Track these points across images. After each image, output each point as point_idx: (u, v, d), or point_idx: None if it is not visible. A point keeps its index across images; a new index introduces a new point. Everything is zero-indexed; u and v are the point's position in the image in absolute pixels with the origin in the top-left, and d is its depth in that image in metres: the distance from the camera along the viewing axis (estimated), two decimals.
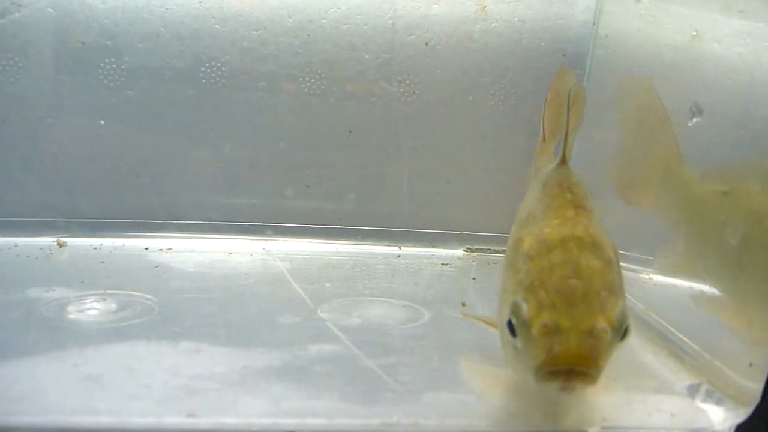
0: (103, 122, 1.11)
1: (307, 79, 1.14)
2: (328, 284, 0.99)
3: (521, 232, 0.66)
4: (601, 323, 0.52)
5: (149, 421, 0.59)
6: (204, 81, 1.12)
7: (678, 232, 0.80)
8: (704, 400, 0.68)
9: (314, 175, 1.19)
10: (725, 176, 0.76)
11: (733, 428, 0.65)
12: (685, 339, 0.78)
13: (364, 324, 0.85)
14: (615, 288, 0.55)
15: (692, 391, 0.70)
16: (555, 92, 0.93)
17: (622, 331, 0.55)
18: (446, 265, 1.12)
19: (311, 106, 1.16)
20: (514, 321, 0.55)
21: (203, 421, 0.60)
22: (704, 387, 0.70)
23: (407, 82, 1.16)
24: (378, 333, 0.83)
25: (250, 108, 1.15)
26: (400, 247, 1.18)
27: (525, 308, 0.54)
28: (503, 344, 0.61)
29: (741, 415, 0.65)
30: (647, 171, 0.87)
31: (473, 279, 1.08)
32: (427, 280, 1.04)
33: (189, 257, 1.07)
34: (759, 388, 0.64)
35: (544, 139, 0.93)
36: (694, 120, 0.81)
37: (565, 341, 0.51)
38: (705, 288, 0.77)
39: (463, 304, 0.92)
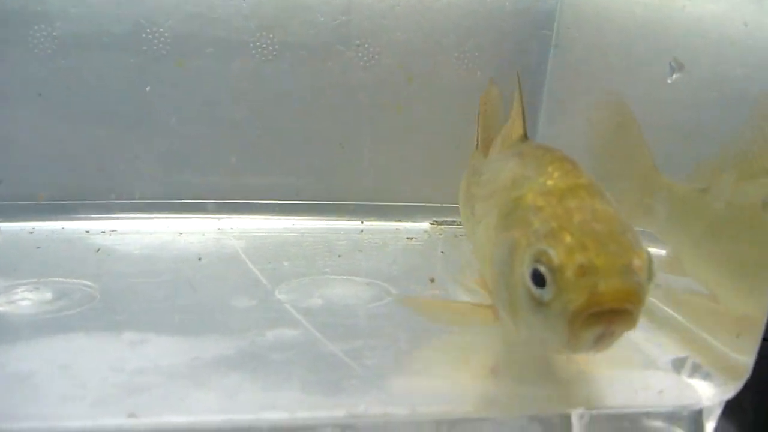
0: (40, 95, 1.02)
1: (258, 44, 1.06)
2: (286, 263, 0.93)
3: (511, 194, 0.61)
4: (637, 260, 0.50)
5: (83, 424, 0.53)
6: (146, 49, 1.03)
7: (664, 238, 0.76)
8: (691, 375, 0.64)
9: (269, 148, 1.12)
10: (703, 173, 0.73)
11: (723, 404, 0.61)
12: (668, 311, 0.74)
13: (326, 305, 0.79)
14: (634, 230, 0.53)
15: (678, 365, 0.66)
16: (485, 103, 0.95)
17: (652, 273, 0.52)
18: (412, 239, 1.06)
19: (263, 73, 1.09)
20: (541, 269, 0.51)
21: (146, 422, 0.53)
22: (690, 361, 0.66)
23: (366, 46, 1.09)
24: (341, 314, 0.77)
25: (197, 77, 1.07)
26: (362, 222, 1.12)
27: (554, 253, 0.50)
28: (513, 308, 0.56)
29: (730, 390, 0.61)
30: (625, 187, 0.83)
31: (442, 253, 1.02)
32: (392, 255, 0.99)
33: (134, 239, 0.99)
34: (749, 361, 0.60)
35: (477, 147, 0.93)
36: (674, 76, 0.76)
37: (608, 279, 0.48)
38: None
39: (432, 280, 0.87)
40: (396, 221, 1.13)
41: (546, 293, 0.51)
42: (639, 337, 0.70)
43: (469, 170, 0.90)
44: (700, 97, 0.77)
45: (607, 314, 0.49)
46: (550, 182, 0.58)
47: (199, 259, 0.92)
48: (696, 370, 0.65)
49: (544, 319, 0.52)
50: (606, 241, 0.50)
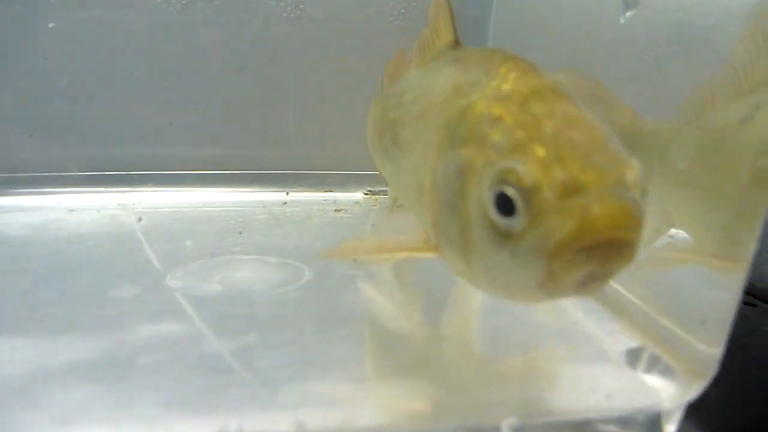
0: None
1: None
2: (189, 242, 0.80)
3: (455, 105, 0.48)
4: (629, 173, 0.39)
5: None
6: None
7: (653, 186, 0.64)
8: (648, 370, 0.53)
9: (181, 112, 0.98)
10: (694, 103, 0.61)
11: (685, 406, 0.50)
12: (622, 290, 0.62)
13: (225, 291, 0.67)
14: (617, 138, 0.42)
15: (633, 358, 0.55)
16: (390, 73, 0.82)
17: (645, 190, 0.40)
18: (340, 211, 0.94)
19: (171, 25, 0.94)
20: (509, 192, 0.39)
21: None
22: (647, 353, 0.55)
23: None
24: (241, 303, 0.65)
25: (91, 30, 0.92)
26: (288, 193, 0.99)
27: (524, 170, 0.39)
28: (466, 246, 0.44)
29: (694, 390, 0.50)
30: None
31: (372, 226, 0.90)
32: (316, 230, 0.86)
33: (15, 218, 0.85)
34: (716, 352, 0.49)
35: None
36: (628, 14, 0.64)
37: (601, 199, 0.37)
38: None
39: (354, 258, 0.75)
40: (326, 191, 1.01)
41: (516, 222, 0.39)
42: (587, 323, 0.59)
43: (379, 97, 0.76)
44: (656, 37, 0.65)
45: (603, 246, 0.37)
46: (506, 86, 0.46)
47: (86, 240, 0.78)
48: (654, 365, 0.54)
49: (513, 256, 0.40)
50: (589, 152, 0.39)
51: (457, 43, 0.62)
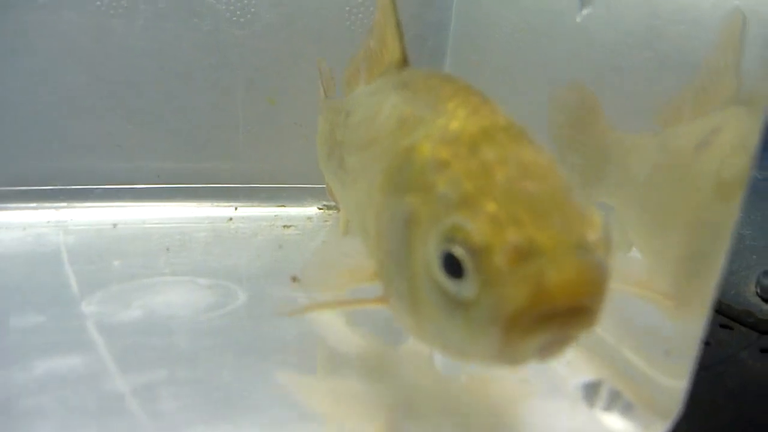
0: None
1: None
2: (117, 263, 0.73)
3: (399, 142, 0.43)
4: (592, 232, 0.35)
5: None
6: None
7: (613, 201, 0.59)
8: (607, 408, 0.47)
9: (122, 122, 0.91)
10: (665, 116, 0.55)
11: None
12: None
13: (145, 318, 0.60)
14: (576, 186, 0.37)
15: (590, 392, 0.49)
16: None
17: (610, 247, 0.35)
18: (289, 227, 0.87)
19: (112, 30, 0.88)
20: (457, 253, 0.34)
21: None
22: (606, 387, 0.49)
23: None
24: (159, 331, 0.58)
25: (29, 33, 0.86)
26: (236, 208, 0.93)
27: (473, 228, 0.34)
28: (414, 304, 0.38)
29: (658, 430, 0.43)
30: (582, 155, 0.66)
31: (323, 243, 0.84)
32: (259, 248, 0.80)
33: None
34: (682, 387, 0.43)
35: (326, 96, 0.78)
36: (584, 12, 0.58)
37: (558, 264, 0.33)
38: None
39: (294, 279, 0.68)
40: (278, 206, 0.94)
41: (465, 287, 0.35)
42: None
43: (328, 110, 0.70)
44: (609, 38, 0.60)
45: (562, 314, 0.33)
46: (454, 124, 0.41)
47: (1, 261, 0.71)
48: (614, 401, 0.47)
49: (465, 322, 0.35)
50: (546, 208, 0.35)
51: (405, 62, 0.56)
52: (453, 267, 0.35)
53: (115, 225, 0.85)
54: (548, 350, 0.35)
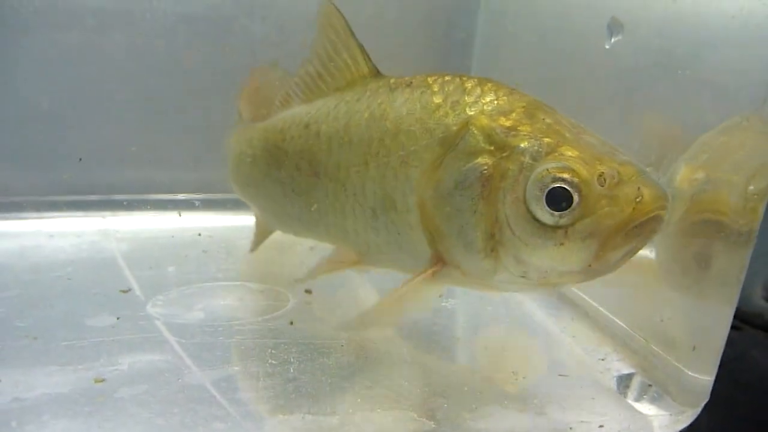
0: None
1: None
2: (171, 268, 0.79)
3: (443, 121, 0.52)
4: (640, 163, 0.46)
5: None
6: None
7: None
8: (638, 398, 0.52)
9: (165, 133, 0.97)
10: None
11: None
12: (611, 316, 0.62)
13: (208, 320, 0.66)
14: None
15: (623, 384, 0.54)
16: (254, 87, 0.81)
17: None
18: None
19: (154, 48, 0.94)
20: (565, 186, 0.44)
21: None
22: (638, 379, 0.54)
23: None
24: (224, 331, 0.63)
25: (72, 53, 0.92)
26: None
27: (576, 167, 0.44)
28: (487, 247, 0.48)
29: (685, 419, 0.49)
30: None
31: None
32: (302, 254, 0.85)
33: None
34: (707, 381, 0.48)
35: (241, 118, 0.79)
36: (613, 40, 0.64)
37: (645, 186, 0.44)
38: None
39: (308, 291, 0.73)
40: None
41: (569, 214, 0.44)
42: (574, 345, 0.58)
43: (260, 131, 0.70)
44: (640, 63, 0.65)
45: (648, 223, 0.44)
46: (502, 101, 0.50)
47: (65, 266, 0.77)
48: (644, 392, 0.53)
49: (561, 244, 0.45)
50: (609, 150, 0.46)
51: (376, 72, 0.61)
52: (559, 199, 0.44)
53: (161, 233, 0.91)
54: (625, 259, 0.45)
